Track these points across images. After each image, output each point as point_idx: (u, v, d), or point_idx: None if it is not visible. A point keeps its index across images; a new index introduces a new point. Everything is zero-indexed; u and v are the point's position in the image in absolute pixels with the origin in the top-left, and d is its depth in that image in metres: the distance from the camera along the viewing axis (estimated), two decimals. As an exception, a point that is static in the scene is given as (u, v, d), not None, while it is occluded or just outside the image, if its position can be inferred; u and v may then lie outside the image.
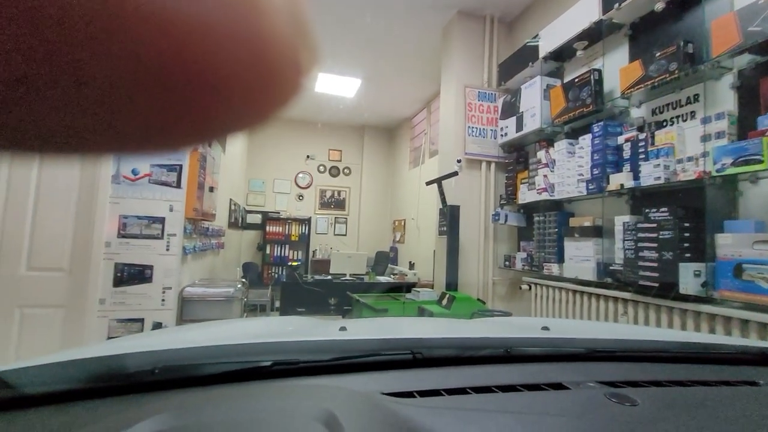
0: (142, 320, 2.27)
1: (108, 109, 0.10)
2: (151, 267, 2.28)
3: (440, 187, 3.19)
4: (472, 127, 3.33)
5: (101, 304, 2.21)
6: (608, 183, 2.18)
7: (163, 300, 2.30)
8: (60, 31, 0.08)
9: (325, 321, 0.98)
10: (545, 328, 0.82)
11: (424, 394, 0.47)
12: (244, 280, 3.15)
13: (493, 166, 3.38)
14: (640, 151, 2.04)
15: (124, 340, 0.83)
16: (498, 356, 0.63)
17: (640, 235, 1.93)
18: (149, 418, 0.35)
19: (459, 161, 3.31)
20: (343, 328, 0.75)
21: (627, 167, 2.11)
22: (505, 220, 3.08)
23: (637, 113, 2.21)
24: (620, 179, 2.10)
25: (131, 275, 2.25)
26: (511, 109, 3.08)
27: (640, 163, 2.02)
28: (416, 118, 6.27)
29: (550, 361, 0.63)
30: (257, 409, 0.40)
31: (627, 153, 2.13)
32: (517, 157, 3.12)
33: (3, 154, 0.11)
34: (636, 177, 2.04)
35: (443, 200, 3.17)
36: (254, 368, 0.51)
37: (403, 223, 6.34)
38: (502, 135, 3.22)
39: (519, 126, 2.96)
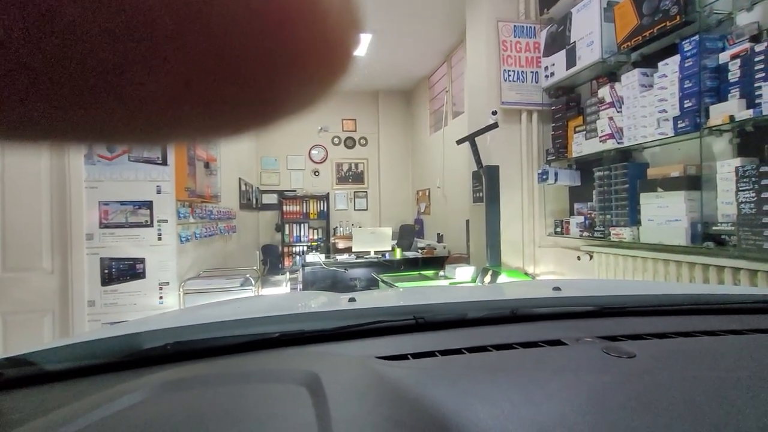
0: (139, 322, 1.96)
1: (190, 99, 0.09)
2: (142, 260, 1.94)
3: (473, 145, 2.69)
4: (509, 71, 2.78)
5: (90, 306, 1.91)
6: (707, 117, 1.65)
7: (160, 297, 1.97)
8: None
9: (338, 295, 0.93)
10: (557, 289, 0.79)
11: (417, 356, 0.46)
12: (262, 264, 2.83)
13: (535, 115, 2.85)
14: (757, 68, 1.50)
15: (146, 319, 0.86)
16: (502, 317, 0.62)
17: (765, 182, 1.42)
18: (129, 393, 0.36)
19: (494, 113, 2.79)
20: (352, 299, 0.76)
21: (735, 93, 1.58)
22: (555, 179, 2.58)
23: (746, 19, 1.64)
24: (728, 109, 1.57)
25: (121, 271, 1.92)
26: (558, 41, 2.51)
27: (758, 84, 1.49)
28: (435, 75, 5.67)
29: (555, 320, 0.61)
30: (248, 374, 0.41)
31: (736, 74, 1.58)
32: (568, 102, 2.57)
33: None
34: (752, 104, 1.51)
35: (478, 161, 2.68)
36: (264, 339, 0.53)
37: (427, 193, 5.88)
38: (547, 76, 2.66)
39: (570, 61, 2.40)
